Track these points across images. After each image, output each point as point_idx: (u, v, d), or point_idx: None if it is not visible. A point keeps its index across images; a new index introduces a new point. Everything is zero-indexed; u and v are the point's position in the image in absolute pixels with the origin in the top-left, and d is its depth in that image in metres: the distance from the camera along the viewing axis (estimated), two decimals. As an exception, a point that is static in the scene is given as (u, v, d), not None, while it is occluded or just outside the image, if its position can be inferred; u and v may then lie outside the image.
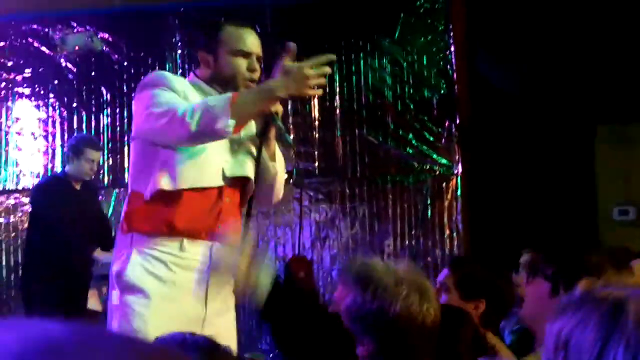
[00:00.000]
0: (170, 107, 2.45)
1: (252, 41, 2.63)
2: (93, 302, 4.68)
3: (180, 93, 2.54)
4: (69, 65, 6.12)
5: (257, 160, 2.61)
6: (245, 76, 2.59)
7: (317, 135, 6.04)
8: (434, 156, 6.02)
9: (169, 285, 2.52)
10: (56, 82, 6.11)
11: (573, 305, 1.10)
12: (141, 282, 2.50)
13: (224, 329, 2.58)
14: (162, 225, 2.52)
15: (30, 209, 5.30)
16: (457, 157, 6.01)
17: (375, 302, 1.66)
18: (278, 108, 2.58)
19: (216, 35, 2.61)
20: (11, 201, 6.03)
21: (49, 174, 5.82)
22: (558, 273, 1.94)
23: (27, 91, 6.13)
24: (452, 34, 6.08)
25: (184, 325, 2.43)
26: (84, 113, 6.10)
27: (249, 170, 2.63)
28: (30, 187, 5.92)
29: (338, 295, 1.77)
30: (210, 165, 2.56)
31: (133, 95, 6.02)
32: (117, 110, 6.09)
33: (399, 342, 1.68)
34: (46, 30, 6.12)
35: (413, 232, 5.94)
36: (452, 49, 6.08)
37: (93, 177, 4.97)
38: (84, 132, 6.00)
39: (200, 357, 1.23)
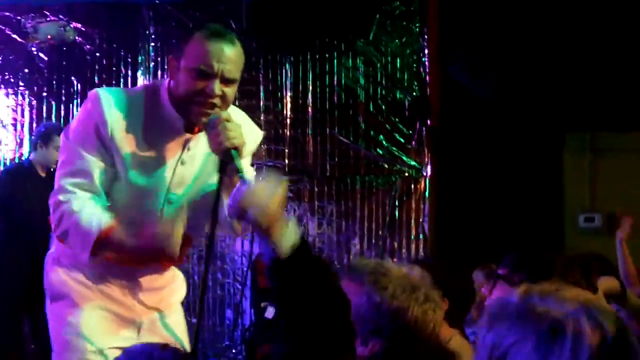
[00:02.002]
0: (57, 191, 2.22)
1: (219, 59, 2.10)
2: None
3: (106, 136, 2.16)
4: (41, 54, 6.06)
5: (216, 199, 2.18)
6: (200, 101, 2.12)
7: (288, 133, 6.04)
8: (404, 158, 6.05)
9: (95, 293, 2.31)
10: (27, 70, 6.05)
11: (509, 318, 1.07)
12: (67, 289, 2.30)
13: (169, 333, 2.41)
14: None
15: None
16: (426, 160, 6.04)
17: (393, 304, 1.63)
18: (239, 141, 2.11)
19: (184, 44, 2.14)
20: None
21: (15, 161, 5.76)
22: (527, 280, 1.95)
23: (-4, 79, 6.07)
24: (426, 37, 6.11)
25: (119, 333, 2.29)
26: (53, 102, 6.04)
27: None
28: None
29: (344, 289, 1.71)
30: (147, 205, 2.25)
31: (104, 86, 6.03)
32: (88, 100, 6.03)
33: (408, 347, 1.64)
34: (18, 18, 6.05)
35: (380, 233, 5.96)
36: (426, 51, 6.11)
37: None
38: (54, 121, 5.94)
39: None
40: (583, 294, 1.10)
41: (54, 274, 2.33)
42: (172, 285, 2.48)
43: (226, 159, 2.10)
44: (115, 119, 2.17)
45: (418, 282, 1.70)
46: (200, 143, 2.25)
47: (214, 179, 2.22)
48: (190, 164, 2.26)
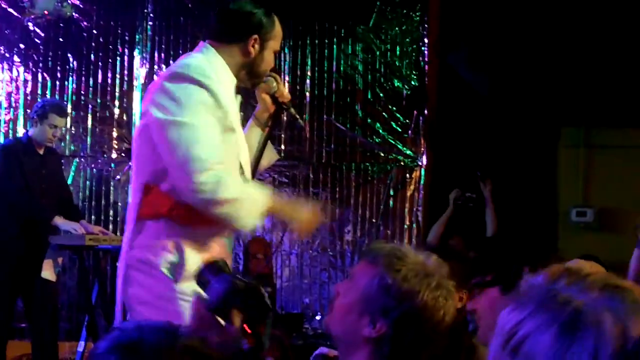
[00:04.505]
0: (210, 159, 2.31)
1: None
2: (47, 272, 4.59)
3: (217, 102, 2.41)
4: (37, 30, 5.98)
5: (262, 149, 2.65)
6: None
7: (285, 119, 6.00)
8: (400, 147, 6.04)
9: None
10: (22, 45, 5.98)
11: (532, 301, 1.03)
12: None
13: None
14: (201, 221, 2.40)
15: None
16: (422, 150, 6.03)
17: (405, 285, 1.63)
18: (287, 96, 2.64)
19: (271, 27, 2.52)
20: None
21: (14, 137, 5.69)
22: (500, 275, 1.95)
23: (-9, 52, 6.00)
24: (426, 26, 6.09)
25: None
26: (48, 78, 5.98)
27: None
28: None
29: (359, 270, 1.72)
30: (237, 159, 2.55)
31: (100, 64, 5.98)
32: (83, 78, 5.98)
33: (416, 331, 1.65)
34: (15, -9, 5.98)
35: (374, 221, 5.96)
36: (426, 41, 6.09)
37: (54, 143, 4.85)
38: (48, 97, 5.88)
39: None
40: (614, 281, 1.05)
41: (190, 259, 2.35)
42: None
43: (282, 109, 2.63)
44: (219, 87, 2.42)
45: (433, 269, 1.70)
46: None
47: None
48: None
